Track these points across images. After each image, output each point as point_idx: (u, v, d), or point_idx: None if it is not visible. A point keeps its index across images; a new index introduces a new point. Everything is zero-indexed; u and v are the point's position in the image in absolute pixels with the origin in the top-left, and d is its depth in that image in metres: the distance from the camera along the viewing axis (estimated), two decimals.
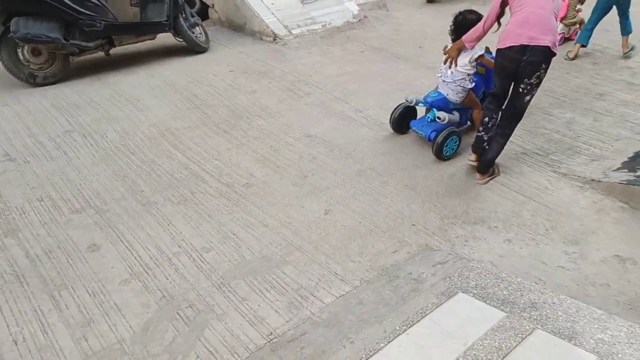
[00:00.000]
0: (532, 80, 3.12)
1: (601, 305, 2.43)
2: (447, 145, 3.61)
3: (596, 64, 5.26)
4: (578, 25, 5.82)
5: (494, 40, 3.35)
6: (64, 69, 4.83)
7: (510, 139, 3.51)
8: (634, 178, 3.24)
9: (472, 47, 3.46)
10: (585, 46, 5.38)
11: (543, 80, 3.20)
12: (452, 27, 3.61)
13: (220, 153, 3.74)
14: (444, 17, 6.76)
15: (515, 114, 3.34)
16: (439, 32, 6.24)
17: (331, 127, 4.11)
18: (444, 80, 3.67)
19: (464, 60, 3.53)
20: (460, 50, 3.50)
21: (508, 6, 3.21)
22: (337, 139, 3.92)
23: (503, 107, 3.41)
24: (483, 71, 3.84)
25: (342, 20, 6.20)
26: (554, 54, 3.07)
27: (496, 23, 3.33)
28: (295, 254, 2.76)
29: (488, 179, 3.44)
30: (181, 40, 5.41)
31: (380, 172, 3.52)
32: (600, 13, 5.21)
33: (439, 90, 3.75)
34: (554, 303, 2.20)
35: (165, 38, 5.69)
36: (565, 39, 5.98)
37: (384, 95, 4.65)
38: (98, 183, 3.37)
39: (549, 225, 3.04)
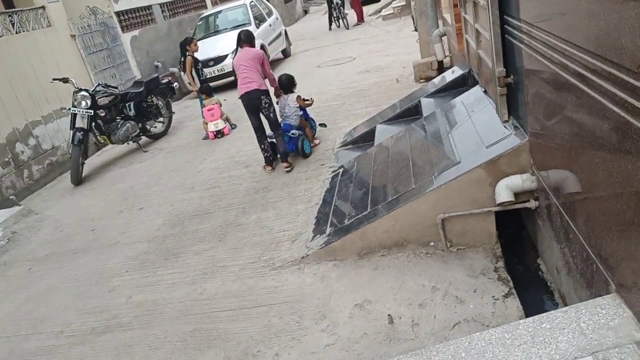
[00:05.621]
0: (264, 105, 5.30)
1: (373, 357, 2.63)
2: (305, 146, 5.66)
3: (249, 166, 5.98)
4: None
5: None
6: None
7: (225, 266, 4.00)
8: (327, 238, 3.74)
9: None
10: None
11: None
12: (278, 85, 5.80)
13: None
14: (100, 194, 6.58)
15: (275, 125, 5.47)
16: (104, 207, 6.00)
17: None
18: (286, 115, 5.71)
19: (292, 99, 5.72)
20: (280, 95, 5.79)
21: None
22: None
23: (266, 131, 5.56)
24: (303, 104, 5.87)
25: None
26: (262, 90, 5.26)
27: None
28: None
29: (290, 164, 5.45)
30: None
31: None
32: None
33: (284, 122, 5.70)
34: None
35: None
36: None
37: (81, 298, 4.09)
38: None
39: (297, 317, 3.17)
